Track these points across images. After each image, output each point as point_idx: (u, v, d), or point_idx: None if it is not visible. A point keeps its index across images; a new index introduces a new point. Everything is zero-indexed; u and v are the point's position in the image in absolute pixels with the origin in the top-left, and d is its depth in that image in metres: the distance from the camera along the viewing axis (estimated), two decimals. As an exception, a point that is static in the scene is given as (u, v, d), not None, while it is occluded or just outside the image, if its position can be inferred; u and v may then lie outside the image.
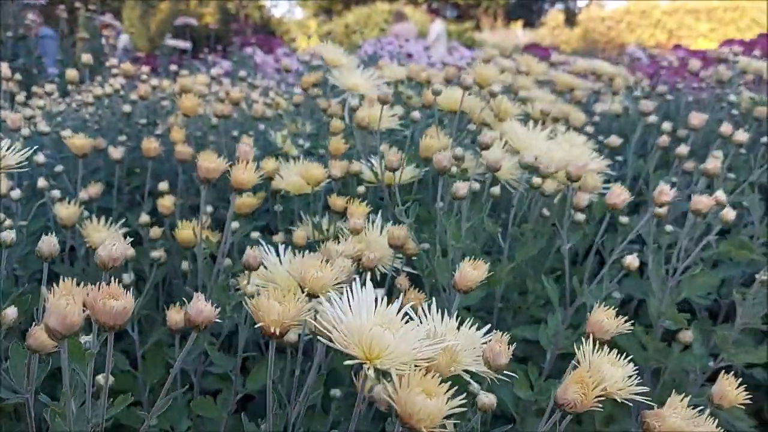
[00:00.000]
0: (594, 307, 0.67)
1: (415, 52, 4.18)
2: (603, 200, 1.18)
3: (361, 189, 1.12)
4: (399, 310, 0.60)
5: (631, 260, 0.91)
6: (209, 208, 1.14)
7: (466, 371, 0.64)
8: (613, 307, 0.94)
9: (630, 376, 0.60)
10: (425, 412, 0.50)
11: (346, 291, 0.60)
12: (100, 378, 0.61)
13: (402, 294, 0.76)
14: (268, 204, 1.25)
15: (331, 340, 0.56)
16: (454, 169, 0.98)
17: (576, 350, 0.62)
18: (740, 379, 0.74)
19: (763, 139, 1.31)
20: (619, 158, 1.37)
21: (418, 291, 0.80)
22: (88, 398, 0.58)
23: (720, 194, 0.97)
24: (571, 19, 16.29)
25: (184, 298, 0.95)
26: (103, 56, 3.06)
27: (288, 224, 1.16)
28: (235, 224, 0.99)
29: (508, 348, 0.62)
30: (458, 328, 0.70)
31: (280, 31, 12.23)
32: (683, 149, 1.19)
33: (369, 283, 0.61)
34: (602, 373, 0.59)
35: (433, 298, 0.74)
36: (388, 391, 0.53)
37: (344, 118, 1.27)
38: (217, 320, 0.58)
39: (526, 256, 1.05)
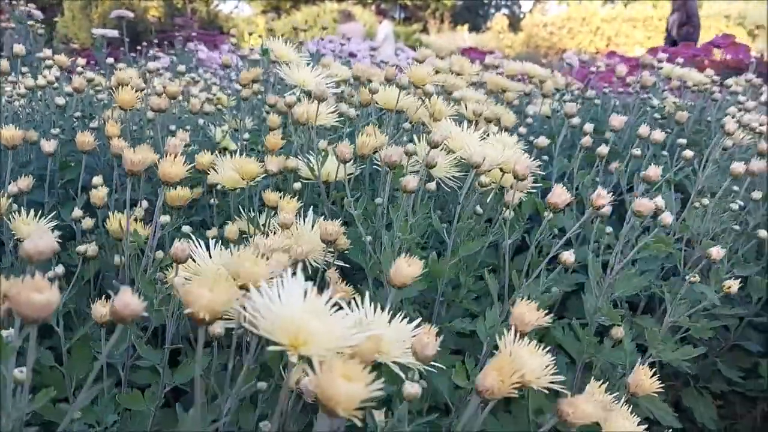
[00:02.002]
0: (517, 301, 0.69)
1: (357, 51, 4.21)
2: (532, 198, 1.24)
3: (297, 185, 1.14)
4: (328, 300, 0.59)
5: (567, 256, 0.95)
6: (144, 203, 1.14)
7: (396, 363, 0.65)
8: (549, 300, 1.00)
9: (547, 366, 0.62)
10: (344, 396, 0.50)
11: (276, 281, 0.59)
12: (16, 372, 0.58)
13: (330, 286, 0.77)
14: (203, 199, 1.25)
15: (257, 328, 0.55)
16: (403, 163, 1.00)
17: (498, 340, 0.64)
18: (661, 369, 0.79)
19: (679, 141, 1.39)
20: (546, 157, 1.43)
21: (352, 285, 0.82)
22: (8, 393, 0.57)
23: (659, 200, 1.02)
24: (515, 24, 16.67)
25: (110, 292, 0.95)
26: (32, 47, 2.95)
27: (225, 219, 1.16)
28: (165, 218, 0.99)
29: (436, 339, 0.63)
30: (390, 321, 0.70)
31: (227, 27, 12.05)
32: (603, 149, 1.25)
33: (300, 274, 0.61)
34: (521, 362, 0.61)
35: (367, 292, 0.75)
36: (310, 377, 0.52)
37: (286, 114, 1.28)
38: (144, 314, 0.57)
39: (470, 251, 1.08)
